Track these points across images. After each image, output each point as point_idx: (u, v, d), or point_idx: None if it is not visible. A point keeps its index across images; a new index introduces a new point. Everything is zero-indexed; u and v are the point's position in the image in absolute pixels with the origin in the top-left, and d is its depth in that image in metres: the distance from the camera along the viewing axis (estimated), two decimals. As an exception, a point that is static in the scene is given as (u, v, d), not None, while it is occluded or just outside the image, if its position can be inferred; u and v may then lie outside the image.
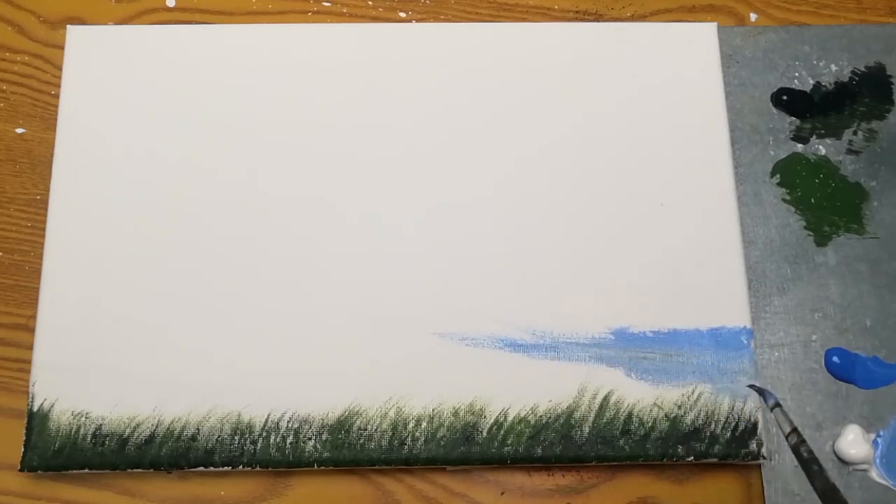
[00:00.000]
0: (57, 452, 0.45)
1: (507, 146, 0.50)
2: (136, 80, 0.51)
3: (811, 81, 0.53)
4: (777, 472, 0.46)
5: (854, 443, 0.46)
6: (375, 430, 0.46)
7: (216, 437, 0.45)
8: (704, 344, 0.47)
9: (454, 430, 0.46)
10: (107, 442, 0.45)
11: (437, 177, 0.50)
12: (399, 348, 0.47)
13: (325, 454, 0.45)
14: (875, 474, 0.46)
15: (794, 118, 0.53)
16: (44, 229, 0.48)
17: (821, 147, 0.52)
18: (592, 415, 0.46)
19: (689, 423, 0.46)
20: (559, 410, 0.46)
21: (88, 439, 0.45)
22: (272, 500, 0.46)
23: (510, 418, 0.46)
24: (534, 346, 0.47)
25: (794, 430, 0.44)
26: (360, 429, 0.46)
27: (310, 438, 0.45)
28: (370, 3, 0.55)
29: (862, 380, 0.48)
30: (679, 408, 0.46)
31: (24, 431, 0.45)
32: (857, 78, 0.53)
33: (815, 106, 0.53)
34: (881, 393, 0.47)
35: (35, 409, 0.45)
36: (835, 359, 0.48)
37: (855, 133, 0.52)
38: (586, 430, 0.46)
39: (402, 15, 0.55)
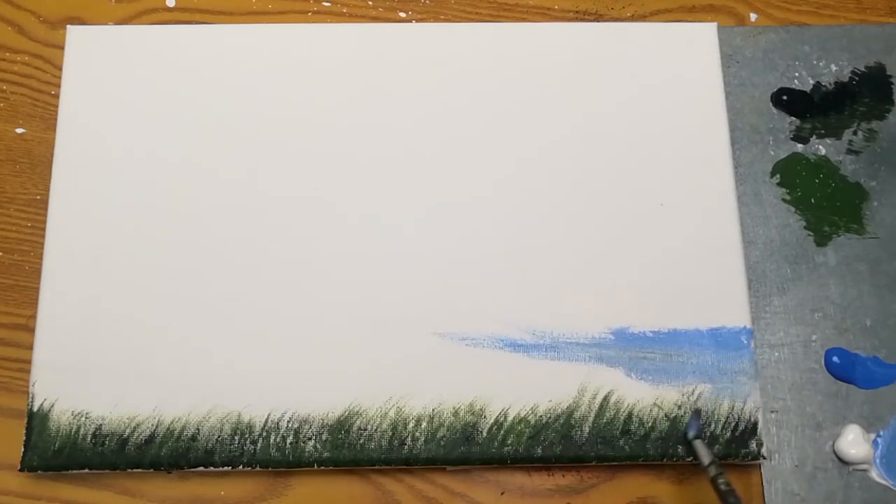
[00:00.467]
0: (57, 452, 0.45)
1: (507, 146, 0.50)
2: (136, 80, 0.51)
3: (811, 81, 0.53)
4: (777, 472, 0.46)
5: (854, 443, 0.46)
6: (375, 430, 0.46)
7: (216, 437, 0.45)
8: (704, 344, 0.47)
9: (454, 430, 0.46)
10: (107, 442, 0.45)
11: (437, 177, 0.50)
12: (399, 348, 0.47)
13: (325, 454, 0.45)
14: (875, 474, 0.46)
15: (794, 118, 0.53)
16: (44, 229, 0.48)
17: (821, 147, 0.52)
18: (592, 415, 0.46)
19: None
20: (559, 410, 0.46)
21: (88, 439, 0.45)
22: (272, 500, 0.46)
23: (510, 418, 0.46)
24: (534, 346, 0.47)
25: (713, 462, 0.43)
26: (360, 429, 0.46)
27: (310, 438, 0.45)
28: (370, 3, 0.55)
29: (862, 380, 0.48)
30: (679, 408, 0.46)
31: (24, 431, 0.45)
32: (857, 78, 0.53)
33: (815, 106, 0.53)
34: (881, 393, 0.47)
35: (35, 409, 0.45)
36: (835, 359, 0.48)
37: (855, 133, 0.52)
38: (586, 430, 0.46)
39: (402, 15, 0.55)
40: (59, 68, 0.52)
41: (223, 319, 0.47)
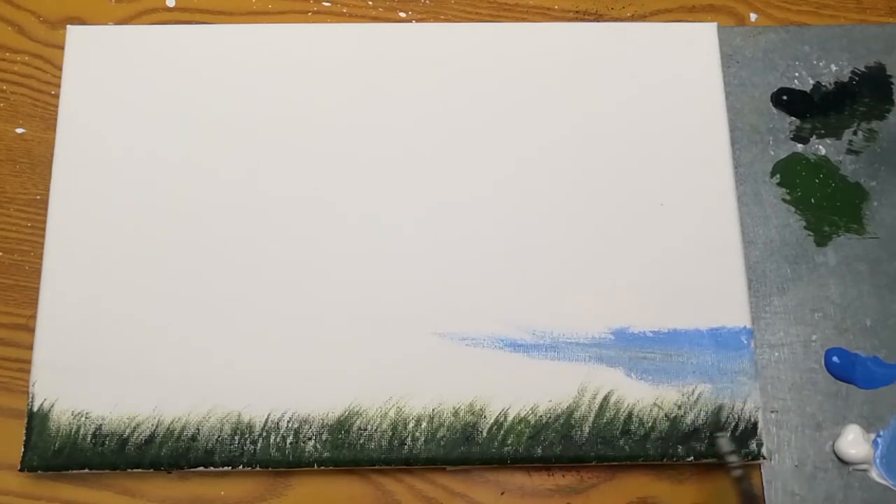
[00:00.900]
0: (57, 452, 0.45)
1: (507, 146, 0.50)
2: (136, 80, 0.51)
3: (811, 81, 0.53)
4: (777, 472, 0.46)
5: (854, 443, 0.46)
6: (375, 430, 0.45)
7: (216, 437, 0.45)
8: (704, 344, 0.47)
9: (454, 430, 0.46)
10: (107, 442, 0.45)
11: (437, 177, 0.50)
12: (399, 348, 0.47)
13: (325, 454, 0.45)
14: (875, 474, 0.46)
15: (794, 118, 0.53)
16: (44, 229, 0.48)
17: (821, 147, 0.52)
18: (592, 415, 0.46)
19: (689, 423, 0.46)
20: (559, 410, 0.46)
21: (88, 439, 0.45)
22: (272, 500, 0.46)
23: (510, 418, 0.46)
24: (534, 346, 0.47)
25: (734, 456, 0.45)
26: (360, 429, 0.46)
27: (310, 438, 0.45)
28: (370, 3, 0.55)
29: (862, 380, 0.48)
30: (679, 408, 0.46)
31: (24, 431, 0.45)
32: (857, 78, 0.53)
33: (815, 106, 0.53)
34: (881, 393, 0.47)
35: (35, 409, 0.45)
36: (835, 359, 0.48)
37: (855, 133, 0.52)
38: (586, 430, 0.46)
39: (402, 15, 0.55)
40: (59, 68, 0.52)
41: (223, 319, 0.47)
